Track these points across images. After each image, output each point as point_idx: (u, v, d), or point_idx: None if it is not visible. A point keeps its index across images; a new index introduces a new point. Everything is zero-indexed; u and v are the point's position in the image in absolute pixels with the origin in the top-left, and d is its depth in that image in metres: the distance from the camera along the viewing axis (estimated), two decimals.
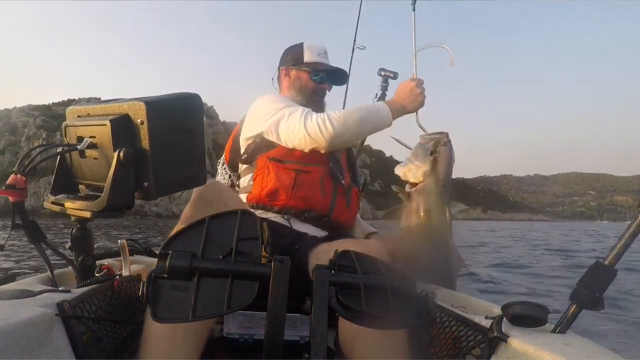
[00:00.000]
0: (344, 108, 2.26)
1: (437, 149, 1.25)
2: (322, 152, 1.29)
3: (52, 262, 0.98)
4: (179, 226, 0.96)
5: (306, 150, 1.28)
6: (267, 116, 1.32)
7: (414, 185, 1.29)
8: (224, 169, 1.61)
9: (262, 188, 1.31)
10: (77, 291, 0.83)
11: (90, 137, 0.89)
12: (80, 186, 1.01)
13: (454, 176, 1.31)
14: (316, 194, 1.32)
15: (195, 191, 1.01)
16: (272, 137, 1.33)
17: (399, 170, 1.32)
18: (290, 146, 1.30)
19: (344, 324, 0.95)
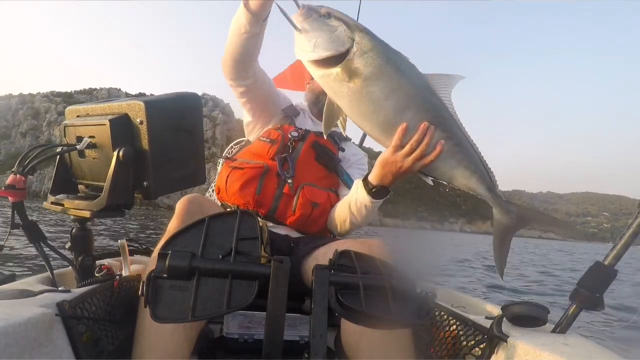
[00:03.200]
0: None
1: (322, 9, 0.91)
2: (229, 74, 1.31)
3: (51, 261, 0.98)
4: (166, 238, 0.96)
5: (227, 77, 1.33)
6: None
7: (342, 57, 0.88)
8: None
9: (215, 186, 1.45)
10: (77, 291, 0.83)
11: (90, 136, 0.89)
12: (80, 186, 1.01)
13: None
14: (248, 191, 1.28)
15: (178, 205, 1.01)
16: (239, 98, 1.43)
17: (317, 54, 0.89)
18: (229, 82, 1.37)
19: (347, 324, 0.94)
